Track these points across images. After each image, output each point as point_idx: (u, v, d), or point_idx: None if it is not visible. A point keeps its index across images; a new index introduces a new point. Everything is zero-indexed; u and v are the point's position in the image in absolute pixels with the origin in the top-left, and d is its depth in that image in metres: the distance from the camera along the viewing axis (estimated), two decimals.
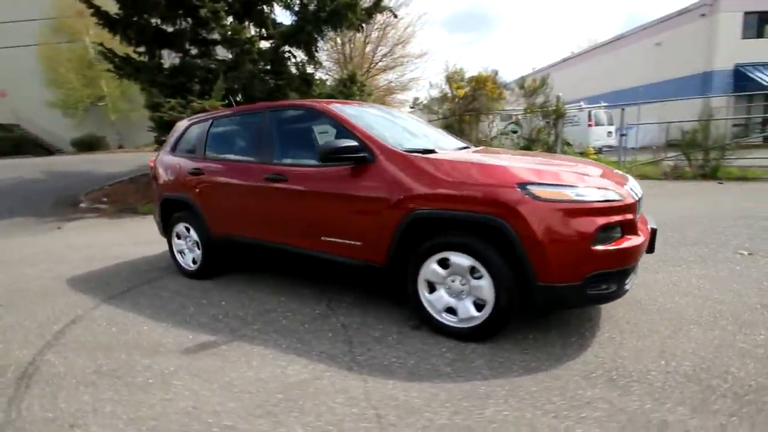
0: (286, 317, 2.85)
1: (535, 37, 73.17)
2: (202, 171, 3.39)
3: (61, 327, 2.89)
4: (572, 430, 1.63)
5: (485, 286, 2.21)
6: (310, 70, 11.04)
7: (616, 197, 2.12)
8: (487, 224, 2.13)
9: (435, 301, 2.41)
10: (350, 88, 12.18)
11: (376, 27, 16.55)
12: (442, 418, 1.73)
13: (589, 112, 13.48)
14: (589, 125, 13.13)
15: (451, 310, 2.38)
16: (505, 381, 1.97)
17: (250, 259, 4.04)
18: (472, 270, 2.24)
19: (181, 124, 3.87)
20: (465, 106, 11.89)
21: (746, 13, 15.48)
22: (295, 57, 10.37)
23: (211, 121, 3.56)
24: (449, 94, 12.39)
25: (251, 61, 9.03)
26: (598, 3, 71.66)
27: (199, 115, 3.92)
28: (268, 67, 9.92)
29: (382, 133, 2.71)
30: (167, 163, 3.80)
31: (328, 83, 13.08)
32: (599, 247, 2.03)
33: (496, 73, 12.47)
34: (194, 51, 10.66)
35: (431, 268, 2.37)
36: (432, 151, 2.62)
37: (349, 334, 2.53)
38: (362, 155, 2.54)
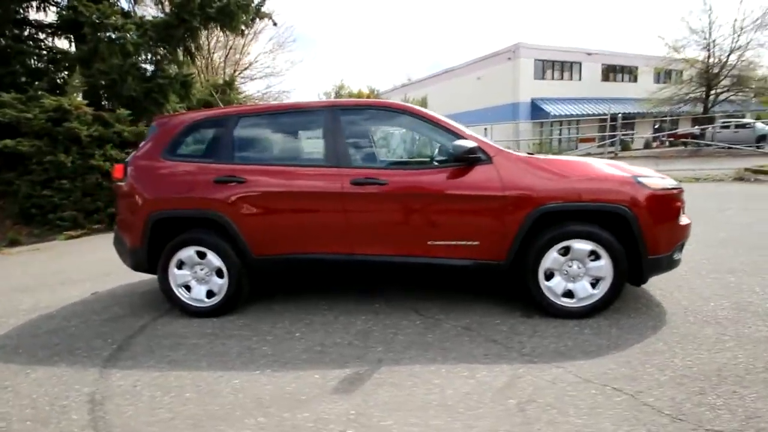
0: (396, 334, 2.61)
1: (357, 63, 79.66)
2: (243, 179, 2.73)
3: (89, 415, 1.94)
4: (737, 357, 2.12)
5: (604, 266, 2.57)
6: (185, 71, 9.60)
7: (678, 185, 2.80)
8: (613, 213, 2.52)
9: (554, 287, 2.65)
10: (228, 94, 11.17)
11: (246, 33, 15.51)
12: (661, 376, 2.00)
13: None
14: None
15: (565, 294, 2.66)
16: (654, 339, 2.36)
17: (287, 281, 3.43)
18: (590, 253, 2.59)
19: (176, 123, 2.98)
20: None
21: (536, 60, 21.01)
22: (171, 55, 8.88)
23: (236, 119, 2.88)
24: None
25: (123, 54, 7.34)
26: (408, 47, 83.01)
27: (204, 111, 3.10)
28: (143, 64, 8.23)
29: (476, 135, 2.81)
30: (163, 170, 2.87)
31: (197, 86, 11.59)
32: (681, 223, 2.67)
33: (374, 90, 13.33)
34: (9, 33, 7.99)
35: (552, 256, 2.61)
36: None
37: (485, 335, 2.53)
38: (478, 156, 2.60)
